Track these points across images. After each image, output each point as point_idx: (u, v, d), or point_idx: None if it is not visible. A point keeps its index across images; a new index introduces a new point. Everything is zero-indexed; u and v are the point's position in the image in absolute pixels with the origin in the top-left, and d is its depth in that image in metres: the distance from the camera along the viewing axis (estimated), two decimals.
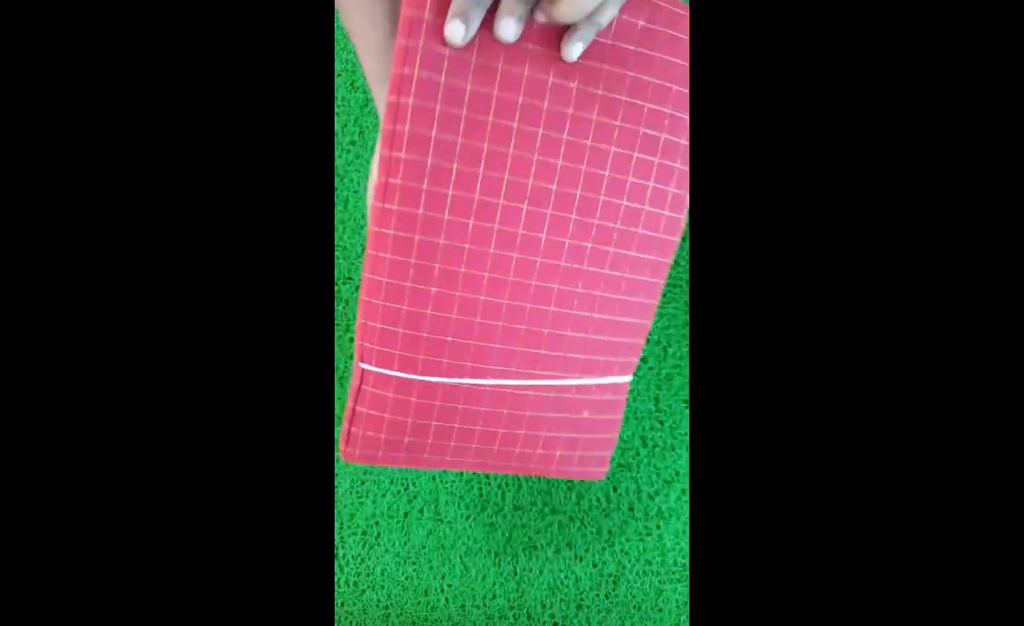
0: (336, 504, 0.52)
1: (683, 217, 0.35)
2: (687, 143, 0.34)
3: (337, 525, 0.52)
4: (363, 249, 0.55)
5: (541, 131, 0.31)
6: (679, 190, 0.34)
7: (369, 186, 0.37)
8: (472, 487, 0.53)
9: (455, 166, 0.31)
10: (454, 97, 0.30)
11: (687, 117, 0.33)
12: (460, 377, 0.36)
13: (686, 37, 0.32)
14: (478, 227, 0.32)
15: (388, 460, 0.39)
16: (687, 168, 0.34)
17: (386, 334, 0.35)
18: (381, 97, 0.37)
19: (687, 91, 0.33)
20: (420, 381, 0.36)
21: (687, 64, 0.32)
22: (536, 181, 0.32)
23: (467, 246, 0.33)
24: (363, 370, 0.36)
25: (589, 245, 0.34)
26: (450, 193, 0.31)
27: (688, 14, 0.32)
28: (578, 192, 0.33)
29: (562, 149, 0.32)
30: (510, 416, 0.37)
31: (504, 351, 0.35)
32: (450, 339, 0.35)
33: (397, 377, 0.36)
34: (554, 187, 0.32)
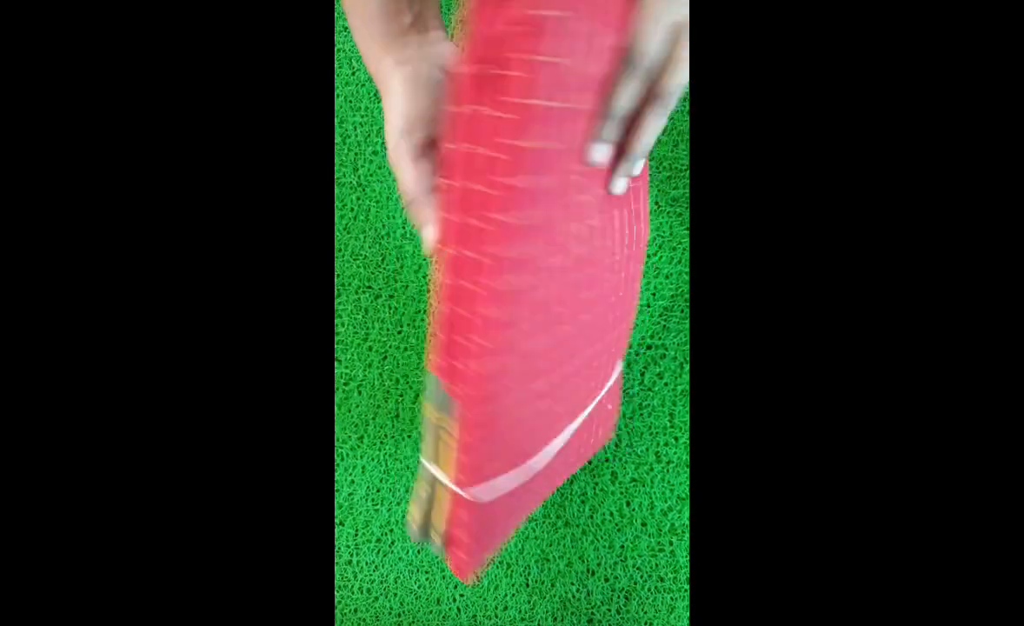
0: (351, 511, 0.53)
1: (647, 227, 0.38)
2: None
3: (351, 532, 0.53)
4: (383, 259, 0.55)
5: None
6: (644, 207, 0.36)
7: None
8: None
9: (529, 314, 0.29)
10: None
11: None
12: (534, 458, 0.35)
13: None
14: (556, 342, 0.32)
15: (493, 555, 0.45)
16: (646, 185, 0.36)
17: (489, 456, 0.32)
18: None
19: None
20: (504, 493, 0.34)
21: None
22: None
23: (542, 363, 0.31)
24: (457, 495, 0.33)
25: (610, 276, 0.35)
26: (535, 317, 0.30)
27: None
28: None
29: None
30: (567, 450, 0.40)
31: (569, 409, 0.38)
32: (527, 435, 0.34)
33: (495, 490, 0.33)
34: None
